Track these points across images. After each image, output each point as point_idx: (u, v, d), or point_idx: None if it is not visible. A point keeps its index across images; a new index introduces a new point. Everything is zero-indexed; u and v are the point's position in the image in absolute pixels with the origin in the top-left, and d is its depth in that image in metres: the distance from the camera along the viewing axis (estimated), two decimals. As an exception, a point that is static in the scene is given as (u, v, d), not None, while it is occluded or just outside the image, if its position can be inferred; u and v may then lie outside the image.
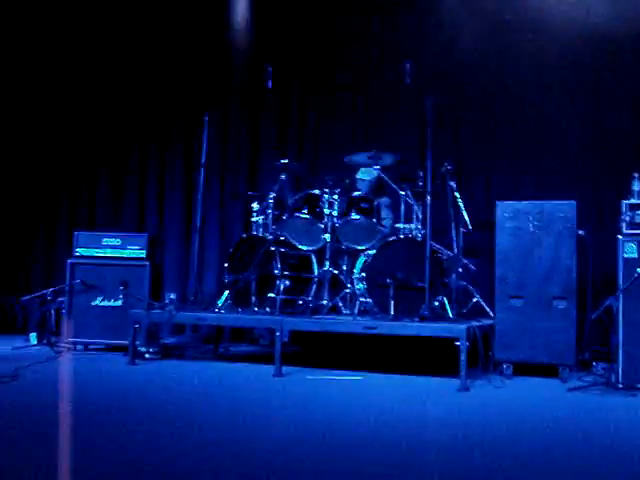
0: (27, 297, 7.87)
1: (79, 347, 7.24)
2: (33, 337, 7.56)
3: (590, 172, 7.06)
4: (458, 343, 5.40)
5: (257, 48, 8.14)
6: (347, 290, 6.44)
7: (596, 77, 7.12)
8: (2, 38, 8.77)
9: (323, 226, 6.45)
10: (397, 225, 6.49)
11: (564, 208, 5.89)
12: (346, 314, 6.35)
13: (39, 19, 8.76)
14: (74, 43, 8.72)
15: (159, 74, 8.56)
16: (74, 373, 5.90)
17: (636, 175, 5.68)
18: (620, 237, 5.53)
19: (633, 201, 5.60)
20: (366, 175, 6.78)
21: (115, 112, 8.79)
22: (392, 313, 5.93)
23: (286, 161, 6.90)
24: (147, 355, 6.59)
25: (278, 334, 5.84)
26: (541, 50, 7.29)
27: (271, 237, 6.60)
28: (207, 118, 6.98)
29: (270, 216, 6.77)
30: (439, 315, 5.95)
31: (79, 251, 7.36)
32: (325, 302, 6.42)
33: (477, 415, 4.63)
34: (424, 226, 6.20)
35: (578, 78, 7.17)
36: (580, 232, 5.91)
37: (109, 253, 7.32)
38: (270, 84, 6.85)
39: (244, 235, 6.90)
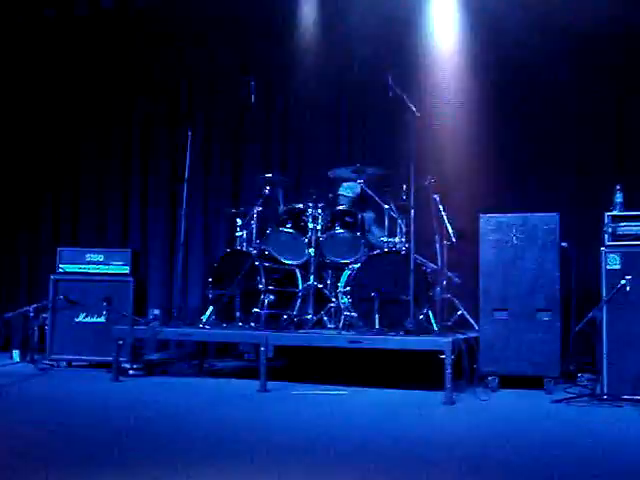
0: (10, 314, 7.83)
1: (62, 364, 7.19)
2: (16, 354, 7.51)
3: (573, 184, 7.10)
4: (443, 356, 5.40)
5: (240, 62, 8.15)
6: (332, 304, 6.44)
7: (579, 88, 7.17)
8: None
9: (307, 240, 6.45)
10: (381, 238, 6.50)
11: (547, 220, 5.90)
12: (331, 328, 6.34)
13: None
14: (64, 55, 8.72)
15: (142, 89, 8.55)
16: (57, 390, 5.86)
17: (618, 187, 5.72)
18: (603, 249, 5.55)
19: (616, 213, 5.64)
20: (349, 191, 6.79)
21: (97, 127, 8.79)
22: (377, 326, 5.93)
23: (270, 175, 6.89)
24: (131, 372, 6.54)
25: (263, 349, 5.81)
26: (524, 62, 7.33)
27: (255, 251, 6.59)
28: (190, 133, 6.95)
29: (254, 230, 6.76)
30: (424, 328, 5.94)
31: (62, 267, 7.32)
32: (310, 316, 6.42)
33: (463, 429, 4.61)
34: (408, 239, 6.20)
35: (561, 90, 7.22)
36: (563, 244, 5.93)
37: (92, 269, 7.29)
38: (253, 99, 6.84)
39: (228, 250, 6.88)
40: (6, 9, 8.59)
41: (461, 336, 5.80)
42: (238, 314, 6.42)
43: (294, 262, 6.59)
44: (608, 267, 5.50)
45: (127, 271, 7.23)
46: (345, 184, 6.84)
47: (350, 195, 6.78)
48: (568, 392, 5.59)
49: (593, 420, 4.87)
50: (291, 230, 6.46)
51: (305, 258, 6.51)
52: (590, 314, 5.61)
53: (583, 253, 6.36)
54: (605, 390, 5.39)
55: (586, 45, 7.06)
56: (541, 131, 7.27)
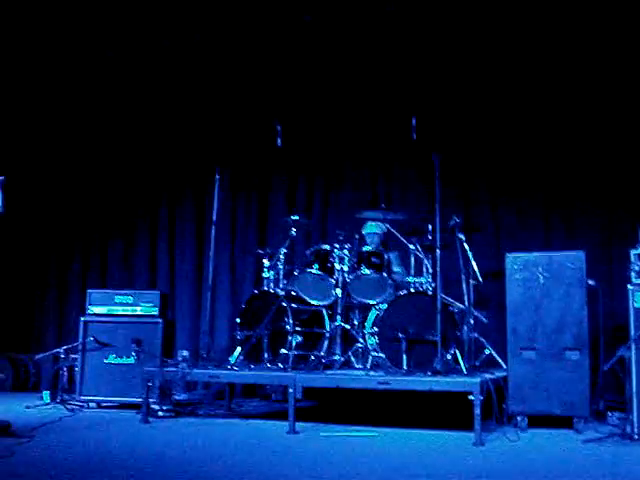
0: (40, 355, 7.92)
1: (92, 405, 7.23)
2: (46, 395, 7.55)
3: (599, 222, 7.11)
4: (472, 397, 5.39)
5: (267, 107, 8.28)
6: (359, 345, 6.46)
7: (602, 126, 7.22)
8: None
9: (334, 281, 6.49)
10: (407, 279, 6.54)
11: (573, 258, 5.90)
12: (359, 369, 6.35)
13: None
14: (89, 110, 8.88)
15: (170, 134, 8.69)
16: (88, 432, 5.90)
17: (644, 225, 5.72)
18: (630, 287, 5.54)
19: (641, 251, 5.63)
20: (376, 229, 6.85)
21: (126, 170, 8.93)
22: (405, 367, 5.94)
23: (296, 217, 6.96)
24: (160, 413, 6.59)
25: (291, 391, 5.83)
26: (548, 102, 7.41)
27: (282, 293, 6.64)
28: (218, 176, 7.05)
29: (281, 272, 6.82)
30: (452, 368, 5.95)
31: (92, 309, 7.40)
32: (337, 357, 6.45)
33: (493, 471, 4.60)
34: (434, 279, 6.22)
35: (584, 129, 7.27)
36: (590, 282, 5.92)
37: (121, 311, 7.36)
38: (280, 142, 6.94)
39: (256, 291, 6.94)
40: None
41: (489, 376, 5.79)
42: (266, 355, 6.46)
43: (321, 303, 6.63)
44: (636, 305, 5.49)
45: (156, 312, 7.29)
46: (372, 222, 6.90)
47: (377, 232, 6.85)
48: (598, 431, 5.56)
49: (624, 460, 4.83)
50: (318, 271, 6.50)
51: (332, 299, 6.55)
52: (618, 352, 5.59)
53: (611, 291, 6.36)
54: (636, 429, 5.36)
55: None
56: (567, 169, 7.30)
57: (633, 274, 5.58)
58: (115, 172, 8.94)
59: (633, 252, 5.63)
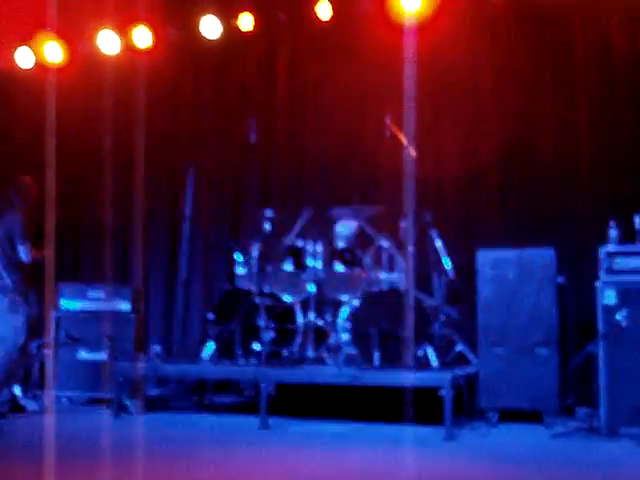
0: (12, 351, 7.84)
1: (64, 400, 7.20)
2: (18, 391, 7.50)
3: (568, 219, 7.15)
4: (443, 392, 5.43)
5: (241, 102, 8.28)
6: (331, 340, 6.48)
7: (572, 126, 7.27)
8: None
9: (307, 277, 6.50)
10: (380, 275, 6.57)
11: (543, 255, 5.97)
12: (331, 364, 6.38)
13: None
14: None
15: (144, 129, 8.62)
16: (59, 427, 5.88)
17: (613, 223, 5.79)
18: (599, 284, 5.61)
19: (611, 248, 5.69)
20: (346, 229, 6.84)
21: (98, 164, 8.85)
22: (377, 363, 5.97)
23: (270, 213, 6.96)
24: (132, 408, 6.57)
25: (264, 386, 5.85)
26: (524, 99, 7.46)
27: (255, 289, 6.64)
28: (191, 172, 7.03)
29: (254, 268, 6.81)
30: (423, 364, 5.99)
31: (63, 304, 7.34)
32: (310, 353, 6.46)
33: (463, 465, 4.65)
34: (407, 275, 6.26)
35: (556, 128, 7.32)
36: (560, 279, 5.99)
37: (93, 306, 7.31)
38: (253, 137, 6.93)
39: (228, 287, 6.93)
40: None
41: (460, 372, 5.85)
42: (239, 351, 6.46)
43: (294, 299, 6.63)
44: (604, 302, 5.55)
45: (128, 308, 7.24)
46: (343, 221, 6.92)
47: (346, 233, 6.85)
48: (567, 426, 5.65)
49: (592, 454, 4.92)
50: (291, 267, 6.52)
51: (305, 295, 6.56)
52: (587, 349, 5.67)
53: (580, 288, 6.42)
54: (603, 423, 5.43)
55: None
56: (537, 167, 7.34)
57: (602, 271, 5.65)
58: (88, 167, 8.86)
59: (603, 249, 5.69)
